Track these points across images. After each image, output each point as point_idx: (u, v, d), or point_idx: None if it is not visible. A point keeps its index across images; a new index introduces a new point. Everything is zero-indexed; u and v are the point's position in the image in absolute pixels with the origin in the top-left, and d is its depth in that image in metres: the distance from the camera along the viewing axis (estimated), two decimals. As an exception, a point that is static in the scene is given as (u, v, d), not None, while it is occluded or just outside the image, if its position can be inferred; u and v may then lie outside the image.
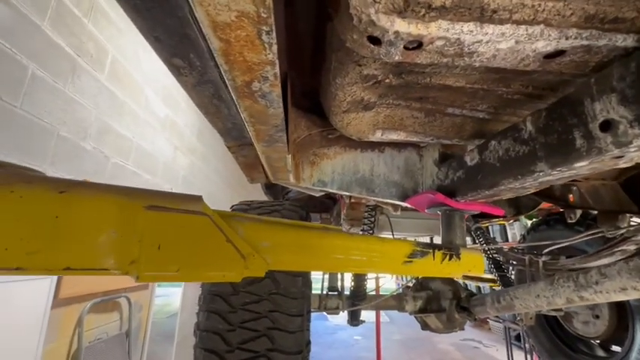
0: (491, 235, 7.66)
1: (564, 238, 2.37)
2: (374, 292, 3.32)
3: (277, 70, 0.44)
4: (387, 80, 0.68)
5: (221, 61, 0.42)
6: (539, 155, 0.65)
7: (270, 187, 3.42)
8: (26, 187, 0.44)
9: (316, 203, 3.48)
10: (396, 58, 0.53)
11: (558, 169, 0.62)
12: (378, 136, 0.98)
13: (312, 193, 1.94)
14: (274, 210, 2.04)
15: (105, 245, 0.47)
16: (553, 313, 2.41)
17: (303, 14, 0.76)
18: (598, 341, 2.59)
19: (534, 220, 3.47)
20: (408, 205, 1.28)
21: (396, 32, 0.46)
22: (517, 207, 2.95)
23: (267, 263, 0.60)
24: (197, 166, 5.44)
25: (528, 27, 0.46)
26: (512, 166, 0.73)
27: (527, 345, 5.43)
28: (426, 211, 1.16)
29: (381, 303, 2.39)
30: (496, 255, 3.11)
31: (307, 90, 1.08)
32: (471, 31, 0.46)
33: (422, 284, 2.49)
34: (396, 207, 1.56)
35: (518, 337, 7.03)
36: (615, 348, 2.47)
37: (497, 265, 2.96)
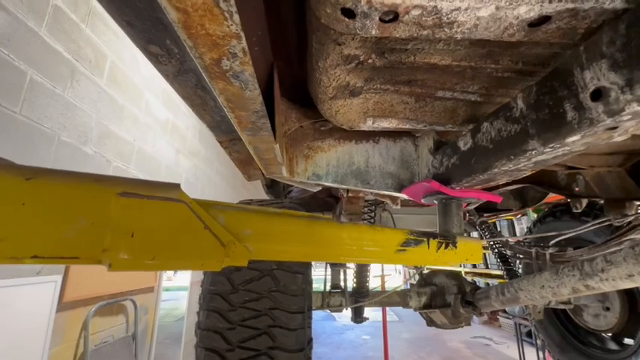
0: (499, 230, 7.54)
1: (571, 228, 2.32)
2: (380, 289, 3.29)
3: (244, 44, 0.42)
4: (370, 60, 0.65)
5: (184, 35, 0.40)
6: (531, 133, 0.62)
7: (271, 187, 3.41)
8: (-7, 175, 0.42)
9: (319, 202, 3.45)
10: (373, 32, 0.50)
11: (551, 145, 0.59)
12: (369, 124, 0.96)
13: (308, 188, 1.93)
14: (274, 208, 2.02)
15: (75, 233, 0.45)
16: (562, 306, 2.35)
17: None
18: (610, 334, 2.52)
19: (540, 212, 3.40)
20: (405, 197, 1.25)
21: (369, 2, 0.44)
22: (523, 200, 2.90)
23: (250, 252, 0.58)
24: (200, 169, 5.46)
25: (508, -10, 0.43)
26: (504, 147, 0.71)
27: (538, 341, 5.33)
28: (422, 200, 1.14)
29: (385, 299, 2.35)
30: (502, 249, 3.05)
31: (296, 81, 1.06)
32: (448, -3, 0.44)
33: (426, 279, 2.45)
34: (394, 199, 1.53)
35: (529, 334, 6.91)
36: (628, 341, 2.40)
37: (503, 259, 2.90)
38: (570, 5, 0.45)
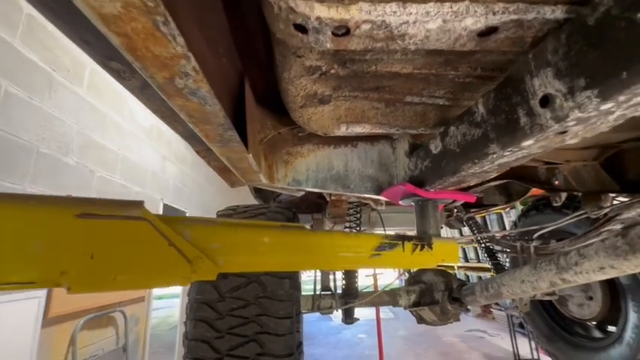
0: (489, 224, 7.66)
1: (554, 221, 2.37)
2: (372, 288, 3.30)
3: (194, 64, 0.43)
4: (333, 71, 0.66)
5: (130, 57, 0.40)
6: (491, 137, 0.64)
7: (259, 191, 3.40)
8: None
9: (309, 204, 3.46)
10: (328, 45, 0.51)
11: (509, 149, 0.61)
12: (343, 130, 0.97)
13: (291, 194, 1.93)
14: (259, 213, 2.02)
15: (31, 257, 0.45)
16: (547, 298, 2.40)
17: (249, 10, 0.74)
18: (594, 323, 2.59)
19: (524, 205, 3.47)
20: (383, 199, 1.27)
21: (318, 18, 0.45)
22: (508, 194, 2.96)
23: (218, 266, 0.58)
24: (187, 175, 5.41)
25: (452, 4, 0.44)
26: (469, 151, 0.72)
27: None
28: (400, 202, 1.15)
29: (375, 299, 2.37)
30: (489, 243, 3.11)
31: (271, 89, 1.07)
32: (395, 12, 0.44)
33: (415, 278, 2.47)
34: (376, 201, 1.55)
35: (522, 325, 7.04)
36: (612, 328, 2.47)
37: (490, 254, 2.95)
38: (514, 16, 0.47)
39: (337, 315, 2.65)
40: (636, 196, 1.75)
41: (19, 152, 2.34)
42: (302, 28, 0.47)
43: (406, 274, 2.64)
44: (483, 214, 7.40)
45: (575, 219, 2.01)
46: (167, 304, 11.59)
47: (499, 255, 2.98)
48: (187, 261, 0.54)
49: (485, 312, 9.63)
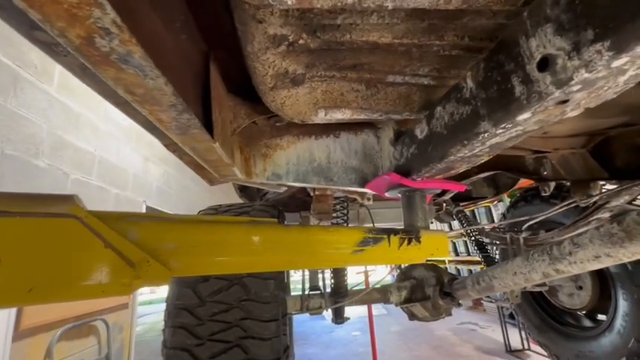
0: (477, 218, 7.72)
1: (542, 212, 2.35)
2: (364, 285, 3.25)
3: (114, 15, 0.34)
4: (302, 41, 0.58)
5: (23, 4, 0.31)
6: (482, 114, 0.57)
7: (244, 190, 3.30)
8: None
9: (297, 202, 3.37)
10: (289, 1, 0.43)
11: (502, 126, 0.54)
12: (321, 116, 0.89)
13: (272, 189, 1.84)
14: (243, 212, 1.93)
15: None
16: (538, 289, 2.39)
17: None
18: (584, 312, 2.59)
19: (512, 198, 3.47)
20: (369, 192, 1.19)
21: (273, -38, 0.36)
22: (496, 186, 2.94)
23: (170, 269, 0.49)
24: (172, 176, 5.24)
25: (434, -57, 0.36)
26: (457, 132, 0.65)
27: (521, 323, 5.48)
28: (386, 195, 1.08)
29: (365, 297, 2.30)
30: (479, 236, 3.08)
31: (243, 74, 0.98)
32: (365, -46, 0.36)
33: (405, 273, 2.42)
34: (362, 195, 1.47)
35: (512, 316, 7.12)
36: (602, 317, 2.47)
37: (480, 247, 2.93)
38: (507, -39, 0.39)
39: (330, 314, 2.59)
40: (624, 183, 1.73)
41: (-19, 154, 2.18)
42: (257, -21, 0.39)
43: (397, 270, 2.58)
44: (472, 208, 7.45)
45: (565, 208, 1.98)
46: (156, 309, 11.31)
47: (489, 248, 2.96)
48: (129, 264, 0.45)
49: (477, 304, 9.74)
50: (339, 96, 0.83)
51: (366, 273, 5.31)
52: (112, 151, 3.69)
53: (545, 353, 2.95)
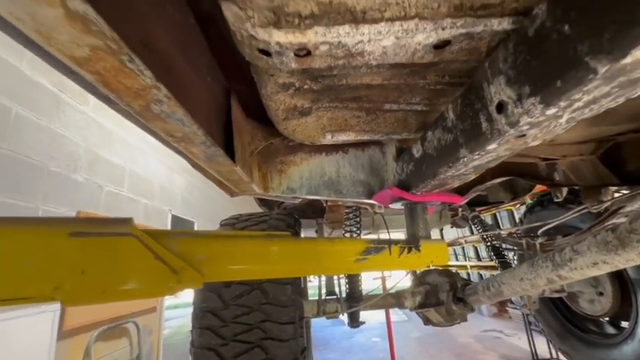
0: (499, 221, 7.52)
1: (558, 217, 2.34)
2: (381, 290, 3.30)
3: (166, 92, 0.47)
4: (307, 86, 0.70)
5: (106, 90, 0.44)
6: (460, 142, 0.66)
7: (263, 200, 3.45)
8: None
9: (314, 209, 3.49)
10: (293, 65, 0.55)
11: (477, 153, 0.63)
12: (328, 138, 1.00)
13: (285, 201, 1.96)
14: (262, 221, 2.06)
15: (27, 275, 0.49)
16: (556, 295, 2.37)
17: (228, 29, 0.78)
18: (607, 319, 2.53)
19: (529, 202, 3.43)
20: (376, 203, 1.29)
21: (278, 43, 0.48)
22: (514, 191, 2.93)
23: (202, 275, 0.62)
24: (195, 185, 5.51)
25: (402, 22, 0.47)
26: (444, 155, 0.75)
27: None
28: (390, 206, 1.17)
29: (380, 302, 2.37)
30: (495, 242, 3.08)
31: (258, 102, 1.11)
32: (348, 33, 0.48)
33: (420, 279, 2.47)
34: (372, 205, 1.57)
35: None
36: (625, 324, 2.41)
37: (496, 252, 2.92)
38: (463, 30, 0.49)
39: (346, 319, 2.66)
40: (637, 188, 1.72)
41: (29, 171, 2.44)
42: (266, 52, 0.51)
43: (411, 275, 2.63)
44: (493, 212, 7.29)
45: (577, 214, 1.98)
46: (182, 314, 11.66)
47: (505, 253, 2.95)
48: (173, 272, 0.58)
49: (501, 311, 9.43)
50: (343, 121, 0.94)
51: (383, 279, 5.33)
52: (140, 164, 3.97)
53: (568, 361, 2.89)
